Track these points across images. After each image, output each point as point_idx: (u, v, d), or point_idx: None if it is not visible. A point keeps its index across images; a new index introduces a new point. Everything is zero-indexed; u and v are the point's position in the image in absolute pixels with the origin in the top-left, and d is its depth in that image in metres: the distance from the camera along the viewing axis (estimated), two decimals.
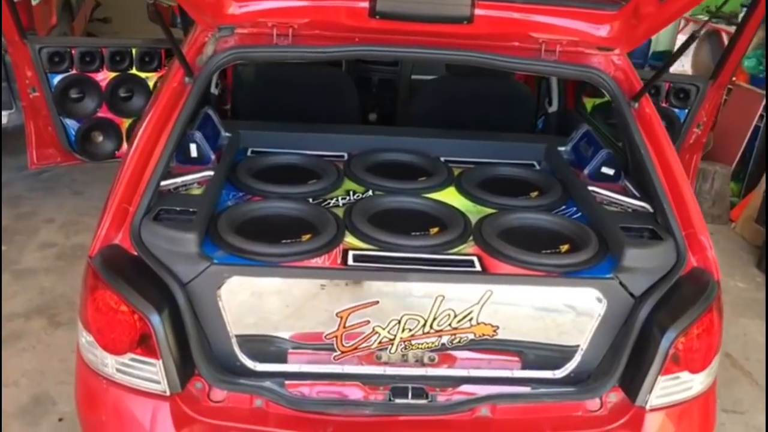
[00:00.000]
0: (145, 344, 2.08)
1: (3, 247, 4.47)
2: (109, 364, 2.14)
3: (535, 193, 2.69)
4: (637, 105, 2.43)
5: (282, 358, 2.28)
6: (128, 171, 2.26)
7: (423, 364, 2.32)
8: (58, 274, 4.26)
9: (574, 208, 2.59)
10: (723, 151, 5.85)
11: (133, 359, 2.11)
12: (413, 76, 4.60)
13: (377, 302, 2.20)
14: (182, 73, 2.38)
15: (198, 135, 2.60)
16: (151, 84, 4.52)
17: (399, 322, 2.22)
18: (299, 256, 2.17)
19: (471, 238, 2.34)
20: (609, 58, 2.51)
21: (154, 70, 4.50)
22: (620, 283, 2.18)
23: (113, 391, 2.15)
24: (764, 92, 5.79)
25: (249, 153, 2.91)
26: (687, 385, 2.20)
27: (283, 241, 2.22)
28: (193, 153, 2.60)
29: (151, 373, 2.10)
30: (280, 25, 2.40)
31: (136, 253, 2.14)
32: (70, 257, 4.44)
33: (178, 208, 2.26)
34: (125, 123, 4.56)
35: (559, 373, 2.31)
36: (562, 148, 2.99)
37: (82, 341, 2.22)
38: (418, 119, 3.60)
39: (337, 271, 2.16)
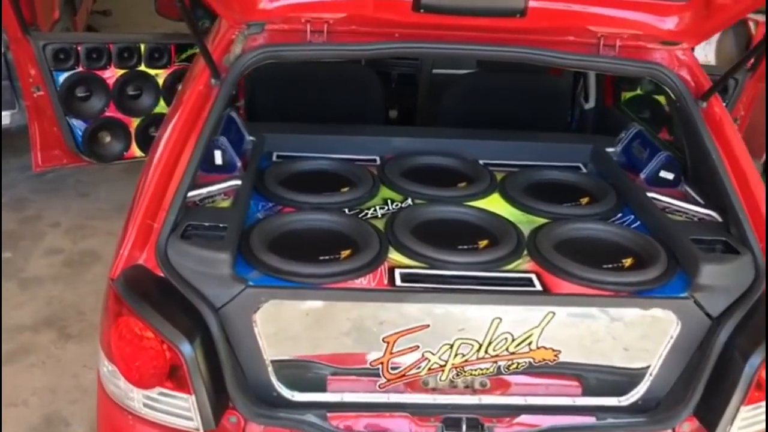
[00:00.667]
0: (175, 376, 1.88)
1: (7, 254, 4.27)
2: (136, 398, 1.94)
3: (586, 200, 2.49)
4: (705, 105, 2.22)
5: (321, 386, 2.08)
6: (152, 183, 2.05)
7: (474, 391, 2.12)
8: (65, 282, 4.06)
9: (632, 217, 2.39)
10: (752, 145, 5.63)
11: (162, 393, 1.91)
12: (434, 71, 4.39)
13: (428, 326, 2.00)
14: (208, 75, 2.17)
15: (223, 140, 2.39)
16: (160, 81, 4.32)
17: (451, 347, 2.02)
18: (342, 277, 1.97)
19: (525, 252, 2.14)
20: (673, 54, 2.30)
21: (164, 67, 4.30)
22: (696, 302, 1.98)
23: (141, 429, 1.96)
24: None
25: (275, 158, 2.70)
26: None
27: (322, 258, 2.02)
28: (218, 161, 2.39)
29: (182, 409, 1.90)
30: (314, 20, 2.18)
31: (162, 275, 1.94)
32: (77, 264, 4.23)
33: (206, 224, 2.05)
34: (134, 122, 4.36)
35: (624, 401, 2.12)
36: (610, 150, 2.79)
37: (103, 370, 2.03)
38: (448, 116, 3.39)
39: (385, 293, 1.96)
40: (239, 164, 2.43)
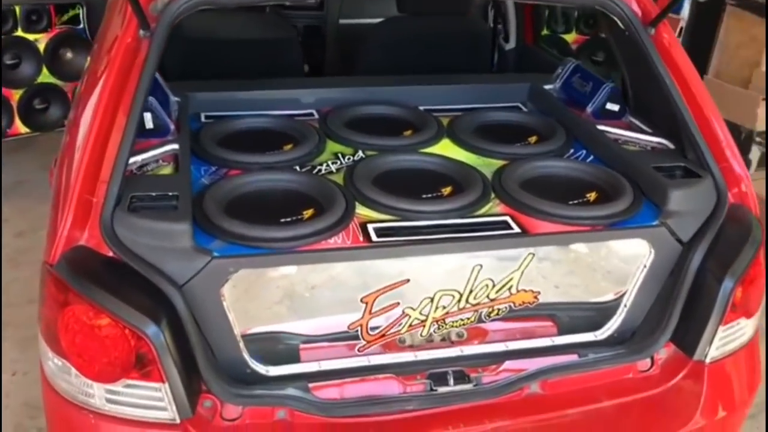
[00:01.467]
0: (141, 365, 1.69)
1: None
2: (96, 393, 1.72)
3: (535, 138, 2.44)
4: (653, 31, 2.20)
5: (294, 357, 1.95)
6: (85, 153, 1.81)
7: (452, 343, 2.05)
8: None
9: (584, 152, 2.36)
10: None
11: (128, 386, 1.71)
12: (342, 21, 4.22)
13: (407, 281, 1.89)
14: (135, 26, 1.92)
15: (153, 101, 2.15)
16: (41, 47, 3.93)
17: (432, 300, 1.93)
18: (314, 238, 1.82)
19: (493, 195, 2.07)
20: None
21: (44, 31, 3.91)
22: (668, 229, 1.98)
23: (105, 427, 1.75)
24: None
25: (203, 119, 2.48)
26: (742, 331, 2.06)
27: (284, 220, 1.87)
28: (149, 124, 2.15)
29: (153, 400, 1.71)
30: None
31: (110, 254, 1.72)
32: None
33: (153, 194, 1.84)
34: (15, 95, 3.95)
35: (600, 334, 2.11)
36: (548, 87, 2.75)
37: (49, 366, 1.79)
38: (363, 68, 3.25)
39: (366, 251, 1.83)
40: (173, 127, 2.20)
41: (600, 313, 2.11)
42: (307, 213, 1.91)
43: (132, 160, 1.99)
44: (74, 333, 1.67)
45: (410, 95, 2.68)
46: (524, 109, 2.73)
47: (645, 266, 2.02)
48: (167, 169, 2.02)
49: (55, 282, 1.71)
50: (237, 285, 1.80)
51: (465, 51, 3.29)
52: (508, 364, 2.00)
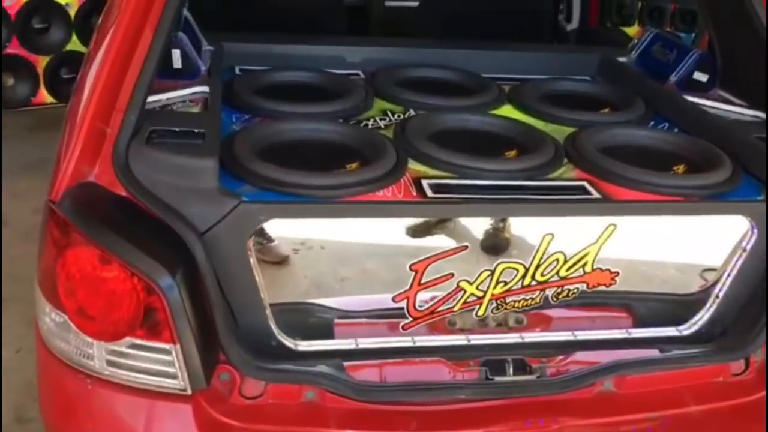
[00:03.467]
0: (150, 322, 1.42)
1: None
2: (96, 354, 1.46)
3: (608, 109, 2.15)
4: None
5: (328, 332, 1.67)
6: (100, 80, 1.56)
7: (510, 329, 1.76)
8: None
9: (665, 125, 2.08)
10: None
11: (133, 346, 1.44)
12: (387, 3, 3.98)
13: (466, 247, 1.61)
14: None
15: (183, 38, 1.91)
16: (72, 12, 3.73)
17: (492, 273, 1.65)
18: (359, 188, 1.55)
19: (566, 160, 1.79)
20: None
21: None
22: None
23: (103, 394, 1.48)
24: None
25: (237, 72, 2.24)
26: None
27: (326, 168, 1.60)
28: (177, 63, 1.91)
29: (162, 364, 1.45)
30: None
31: (123, 193, 1.46)
32: None
33: (177, 129, 1.58)
34: (41, 62, 3.75)
35: (685, 330, 1.81)
36: (622, 59, 2.47)
37: (45, 323, 1.54)
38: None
39: (418, 206, 1.56)
40: (204, 69, 1.96)
41: (686, 305, 1.80)
42: (352, 165, 1.64)
43: (155, 98, 1.75)
44: (76, 280, 1.42)
45: (467, 61, 2.42)
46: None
47: (744, 250, 1.72)
48: (194, 110, 1.77)
49: (56, 221, 1.46)
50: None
51: (522, 28, 3.03)
52: (576, 355, 1.71)
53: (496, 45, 2.55)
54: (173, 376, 1.45)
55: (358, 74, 2.32)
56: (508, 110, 2.12)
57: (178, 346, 1.42)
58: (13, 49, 3.53)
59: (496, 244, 1.65)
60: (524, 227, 1.64)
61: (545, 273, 1.67)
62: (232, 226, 1.47)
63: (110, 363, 1.46)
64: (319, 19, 2.92)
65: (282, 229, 1.57)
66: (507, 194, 1.62)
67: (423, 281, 1.63)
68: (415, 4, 3.46)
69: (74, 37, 3.80)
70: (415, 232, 1.63)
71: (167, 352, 1.43)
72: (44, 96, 3.76)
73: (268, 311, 1.59)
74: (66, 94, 4.05)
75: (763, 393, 1.73)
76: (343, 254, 1.66)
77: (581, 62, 2.51)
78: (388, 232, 1.64)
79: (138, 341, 1.44)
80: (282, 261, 1.63)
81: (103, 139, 1.50)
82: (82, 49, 3.90)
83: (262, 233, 1.56)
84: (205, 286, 1.45)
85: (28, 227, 3.75)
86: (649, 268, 1.80)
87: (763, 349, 1.76)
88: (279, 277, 1.65)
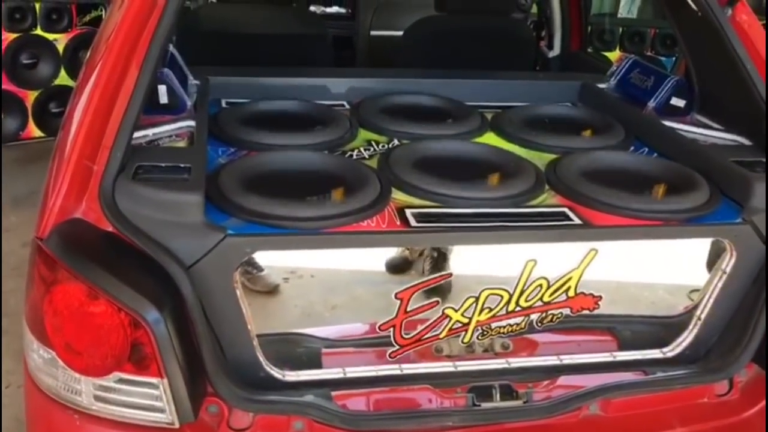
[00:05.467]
0: (137, 357, 1.43)
1: None
2: (83, 390, 1.47)
3: (588, 133, 2.19)
4: (731, 12, 1.96)
5: (316, 362, 1.68)
6: (87, 116, 1.59)
7: (497, 354, 1.77)
8: None
9: (645, 149, 2.11)
10: None
11: (120, 380, 1.45)
12: (372, 32, 4.05)
13: (450, 275, 1.64)
14: None
15: (169, 74, 1.94)
16: (60, 48, 3.77)
17: (477, 299, 1.67)
18: (344, 219, 1.57)
19: (547, 187, 1.82)
20: None
21: (64, 31, 3.75)
22: (754, 227, 1.71)
23: (92, 430, 1.49)
24: None
25: (224, 105, 2.27)
26: None
27: (311, 199, 1.63)
28: (163, 98, 1.94)
29: (150, 399, 1.45)
30: None
31: (109, 228, 1.48)
32: None
33: (162, 164, 1.61)
34: (30, 96, 3.78)
35: (669, 352, 1.83)
36: (602, 86, 2.51)
37: (33, 359, 1.55)
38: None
39: (402, 236, 1.58)
40: (189, 104, 1.98)
41: (669, 327, 1.83)
42: (337, 194, 1.66)
43: (142, 133, 1.78)
44: (63, 316, 1.43)
45: (450, 89, 2.46)
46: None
47: (724, 272, 1.74)
48: (180, 144, 1.80)
49: (44, 258, 1.47)
50: None
51: (505, 55, 3.08)
52: (562, 380, 1.72)
53: (478, 73, 2.59)
54: (161, 410, 1.46)
55: (343, 104, 2.35)
56: (490, 137, 2.15)
57: (165, 380, 1.43)
58: (2, 84, 3.56)
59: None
60: (507, 253, 1.67)
61: (529, 299, 1.69)
62: (217, 260, 1.49)
63: (98, 398, 1.47)
64: (307, 51, 2.96)
65: (272, 258, 1.59)
66: (489, 222, 1.64)
67: (408, 309, 1.64)
68: (398, 33, 3.52)
69: (63, 72, 3.82)
70: (395, 269, 1.66)
71: (154, 386, 1.44)
72: (33, 130, 3.78)
73: (255, 342, 1.60)
74: (55, 128, 4.07)
75: (747, 413, 1.75)
76: (333, 282, 1.68)
77: (562, 89, 2.56)
78: (378, 259, 1.66)
79: (125, 376, 1.44)
80: (272, 290, 1.65)
81: (89, 175, 1.52)
82: (70, 83, 3.93)
83: (251, 263, 1.58)
84: (192, 319, 1.46)
85: (17, 261, 3.75)
86: (633, 291, 1.83)
87: (747, 369, 1.78)
88: (269, 306, 1.67)
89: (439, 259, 1.67)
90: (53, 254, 1.45)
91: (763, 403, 1.75)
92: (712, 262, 1.76)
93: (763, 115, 1.88)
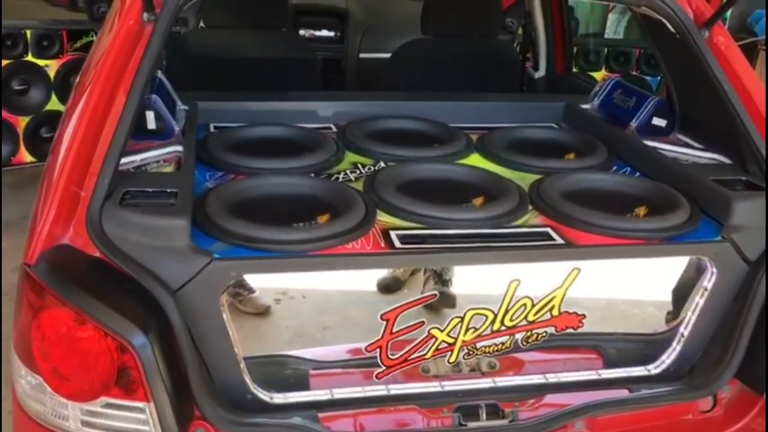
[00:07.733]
0: (124, 382, 1.44)
1: None
2: (70, 415, 1.48)
3: (572, 155, 2.22)
4: (708, 34, 2.00)
5: (303, 383, 1.70)
6: (75, 142, 1.61)
7: (483, 374, 1.79)
8: None
9: (627, 169, 2.14)
10: None
11: (107, 405, 1.46)
12: (362, 55, 4.09)
13: (435, 296, 1.66)
14: (138, 9, 1.75)
15: (157, 100, 1.97)
16: (51, 74, 3.79)
17: (462, 320, 1.68)
18: (329, 242, 1.59)
19: (531, 207, 1.84)
20: None
21: (55, 57, 3.78)
22: (734, 245, 1.74)
23: None
24: None
25: (212, 129, 2.29)
26: None
27: (297, 224, 1.65)
28: (151, 124, 1.96)
29: (136, 423, 1.46)
30: None
31: (97, 254, 1.50)
32: None
33: (150, 189, 1.63)
34: (21, 122, 3.80)
35: (653, 369, 1.84)
36: (585, 106, 2.55)
37: (21, 386, 1.55)
38: (388, 88, 3.08)
39: (387, 258, 1.60)
40: (177, 129, 2.01)
41: (653, 344, 1.85)
42: (322, 218, 1.69)
43: (129, 159, 1.80)
44: (51, 341, 1.44)
45: (436, 111, 2.49)
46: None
47: (706, 289, 1.77)
48: (168, 169, 1.82)
49: (32, 285, 1.49)
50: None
51: (491, 76, 3.12)
52: (548, 398, 1.74)
53: (463, 95, 2.63)
54: None
55: (330, 127, 2.38)
56: (475, 159, 2.18)
57: (152, 404, 1.43)
58: None
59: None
60: (491, 273, 1.69)
61: (514, 318, 1.71)
62: (204, 284, 1.50)
63: (85, 423, 1.48)
64: (296, 75, 2.99)
65: (262, 279, 1.62)
66: (473, 243, 1.67)
67: (394, 330, 1.66)
68: (387, 55, 3.56)
69: (54, 98, 3.85)
70: (386, 289, 1.68)
71: (141, 410, 1.45)
72: (24, 156, 3.80)
73: (242, 365, 1.61)
74: (46, 154, 4.09)
75: (731, 429, 1.76)
76: (324, 303, 1.70)
77: (547, 110, 2.59)
78: (368, 279, 1.68)
79: (112, 400, 1.45)
80: (263, 312, 1.66)
81: (77, 201, 1.54)
82: (62, 108, 3.95)
83: (242, 284, 1.60)
84: (178, 343, 1.47)
85: (8, 286, 3.74)
86: (618, 308, 1.85)
87: (730, 385, 1.79)
88: (261, 328, 1.68)
89: (441, 277, 1.69)
90: (41, 280, 1.46)
91: (748, 417, 1.77)
92: (691, 281, 1.78)
93: (742, 134, 1.91)
